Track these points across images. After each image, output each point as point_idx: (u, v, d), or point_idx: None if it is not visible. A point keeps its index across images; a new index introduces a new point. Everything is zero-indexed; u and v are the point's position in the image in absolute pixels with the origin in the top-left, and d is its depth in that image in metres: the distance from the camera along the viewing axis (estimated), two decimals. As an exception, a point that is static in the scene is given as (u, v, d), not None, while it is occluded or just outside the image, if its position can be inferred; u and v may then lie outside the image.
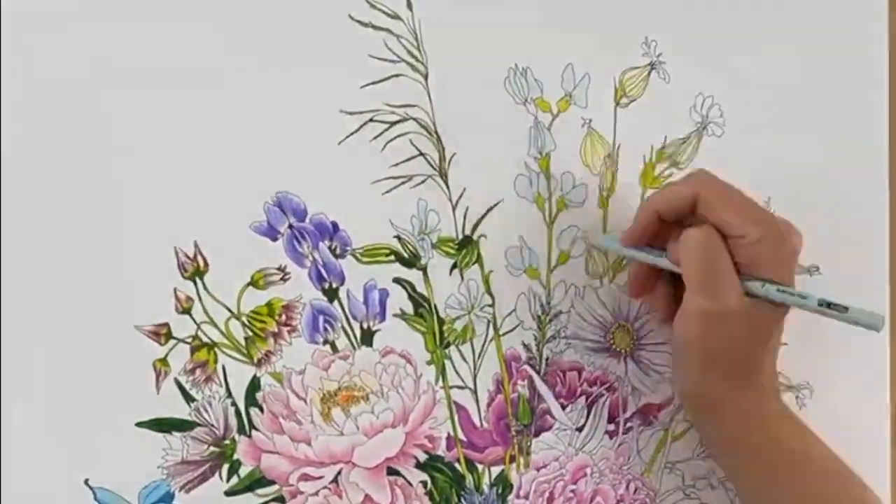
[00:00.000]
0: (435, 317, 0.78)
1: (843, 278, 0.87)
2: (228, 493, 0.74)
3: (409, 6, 0.77)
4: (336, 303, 0.76)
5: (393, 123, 0.77)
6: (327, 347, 0.76)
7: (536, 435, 0.82)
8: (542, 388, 0.81)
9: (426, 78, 0.77)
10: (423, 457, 0.78)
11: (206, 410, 0.74)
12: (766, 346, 0.76)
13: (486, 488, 0.80)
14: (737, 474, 0.80)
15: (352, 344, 0.76)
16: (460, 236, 0.79)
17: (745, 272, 0.72)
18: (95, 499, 0.71)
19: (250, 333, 0.74)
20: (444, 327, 0.79)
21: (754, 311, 0.73)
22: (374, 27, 0.76)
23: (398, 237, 0.77)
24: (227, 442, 0.74)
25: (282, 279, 0.74)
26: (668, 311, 0.78)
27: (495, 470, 0.81)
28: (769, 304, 0.73)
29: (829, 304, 0.71)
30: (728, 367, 0.75)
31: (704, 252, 0.72)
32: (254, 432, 0.74)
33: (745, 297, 0.72)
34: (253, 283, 0.74)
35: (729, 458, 0.80)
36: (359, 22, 0.76)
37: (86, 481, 0.71)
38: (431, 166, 0.78)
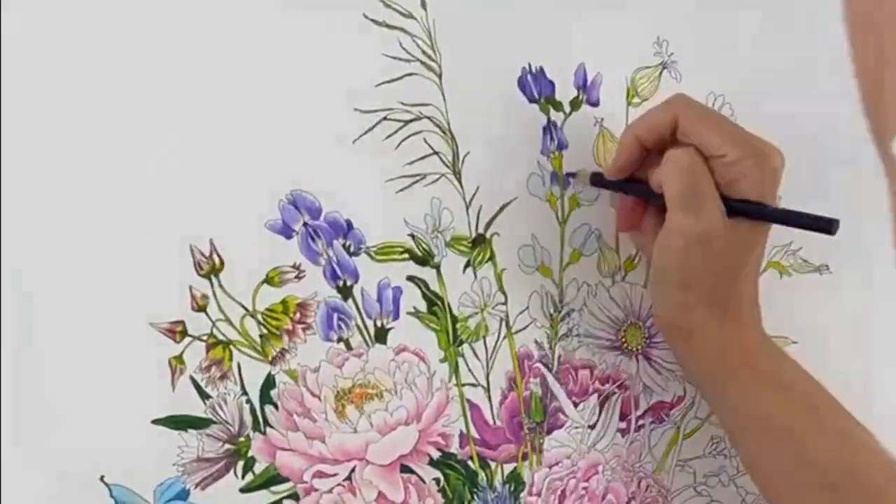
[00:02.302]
0: (448, 315, 0.79)
1: (852, 276, 0.87)
2: (243, 490, 0.75)
3: (424, 5, 0.77)
4: (350, 301, 0.76)
5: (407, 122, 0.77)
6: (341, 345, 0.76)
7: (549, 432, 0.82)
8: (555, 385, 0.82)
9: (440, 77, 0.78)
10: (436, 454, 0.79)
11: (222, 408, 0.74)
12: (747, 269, 0.76)
13: (498, 486, 0.81)
14: (716, 403, 0.81)
15: (366, 342, 0.77)
16: (473, 234, 0.79)
17: (725, 192, 0.72)
18: (111, 496, 0.71)
19: (265, 331, 0.74)
20: (458, 325, 0.79)
21: (735, 231, 0.72)
22: (388, 26, 0.76)
23: (412, 235, 0.77)
24: (242, 439, 0.74)
25: (296, 277, 0.75)
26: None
27: (508, 467, 0.81)
28: (750, 223, 0.73)
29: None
30: (707, 291, 0.74)
31: (686, 170, 0.71)
32: (268, 429, 0.75)
33: (725, 216, 0.71)
34: (268, 280, 0.74)
35: (708, 387, 0.80)
36: (373, 21, 0.76)
37: (101, 478, 0.71)
38: (445, 165, 0.78)
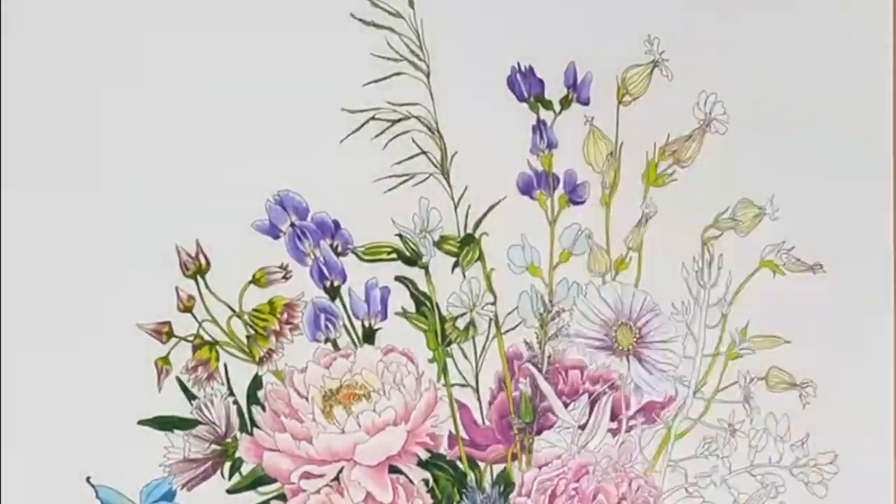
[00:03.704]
0: (437, 315, 0.78)
1: (846, 275, 0.87)
2: (230, 491, 0.75)
3: (411, 4, 0.77)
4: (338, 301, 0.76)
5: (395, 122, 0.77)
6: (329, 345, 0.76)
7: (538, 433, 0.82)
8: (545, 385, 0.81)
9: (428, 76, 0.78)
10: (424, 455, 0.78)
11: (208, 408, 0.74)
12: None
13: (487, 486, 0.80)
14: None
15: (353, 342, 0.77)
16: (462, 234, 0.79)
17: None
18: (97, 496, 0.72)
19: (252, 331, 0.74)
20: (446, 325, 0.79)
21: None
22: (376, 25, 0.76)
23: (400, 235, 0.77)
24: (229, 440, 0.74)
25: (283, 277, 0.75)
26: None
27: (497, 468, 0.81)
28: None
29: None
30: None
31: None
32: (255, 430, 0.75)
33: None
34: (255, 281, 0.74)
35: None
36: (361, 20, 0.76)
37: (88, 479, 0.72)
38: (433, 164, 0.78)
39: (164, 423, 0.73)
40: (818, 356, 0.86)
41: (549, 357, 0.81)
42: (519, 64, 0.80)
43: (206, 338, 0.73)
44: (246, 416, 0.75)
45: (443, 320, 0.78)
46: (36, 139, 0.69)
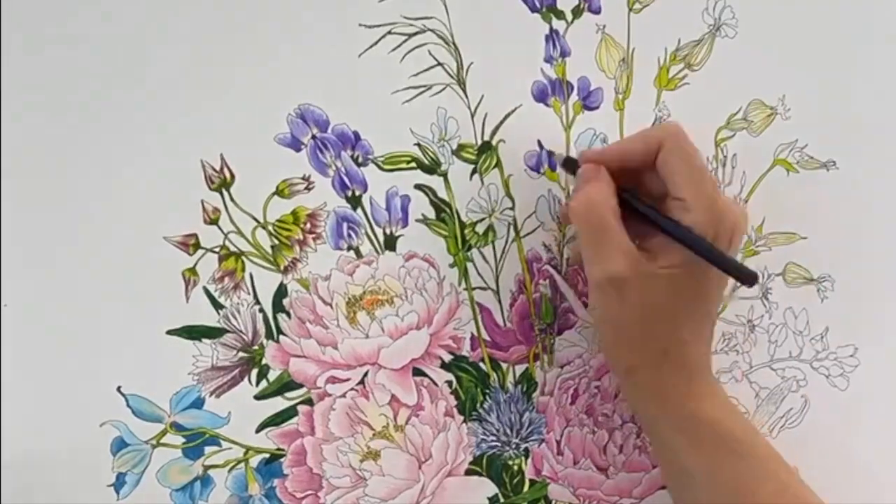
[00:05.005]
0: (456, 221, 0.79)
1: (858, 171, 0.87)
2: (258, 398, 0.76)
3: (425, -81, 0.78)
4: (359, 210, 0.77)
5: (411, 35, 0.78)
6: (352, 253, 0.77)
7: (559, 333, 0.83)
8: (564, 287, 0.82)
9: (442, -11, 0.79)
10: (447, 357, 0.80)
11: (235, 317, 0.75)
12: (690, 314, 0.73)
13: (510, 386, 0.82)
14: (655, 446, 0.79)
15: (376, 249, 0.78)
16: (479, 142, 0.80)
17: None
18: (128, 405, 0.73)
19: (276, 242, 0.75)
20: (466, 230, 0.80)
21: (655, 278, 0.70)
22: (390, -59, 0.77)
23: (418, 144, 0.78)
24: (256, 347, 0.76)
25: (306, 188, 0.76)
26: None
27: (520, 368, 0.82)
28: (682, 272, 0.70)
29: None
30: (638, 334, 0.72)
31: (587, 218, 0.71)
32: (281, 337, 0.76)
33: (642, 262, 0.70)
34: (278, 192, 0.75)
35: (648, 428, 0.79)
36: (376, -63, 0.77)
37: (118, 388, 0.73)
38: (450, 75, 0.79)
39: (193, 333, 0.74)
40: (834, 251, 0.86)
41: (568, 259, 0.82)
42: (530, -25, 0.81)
43: (232, 249, 0.74)
44: (272, 323, 0.76)
45: (462, 226, 0.79)
46: (62, 55, 0.71)
